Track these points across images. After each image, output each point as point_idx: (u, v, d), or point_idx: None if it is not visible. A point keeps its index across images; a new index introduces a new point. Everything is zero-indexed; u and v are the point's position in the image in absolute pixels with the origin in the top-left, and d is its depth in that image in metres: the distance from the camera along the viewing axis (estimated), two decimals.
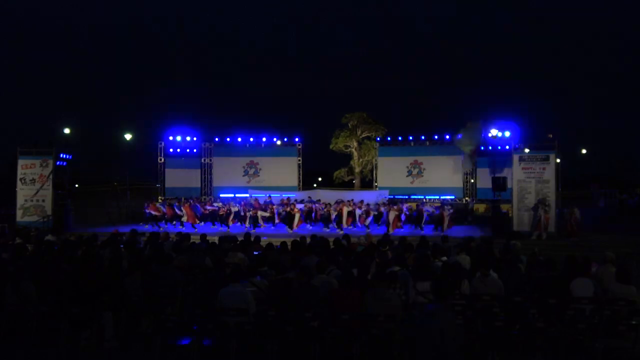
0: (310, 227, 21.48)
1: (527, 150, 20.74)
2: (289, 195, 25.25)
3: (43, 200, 22.34)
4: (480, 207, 26.33)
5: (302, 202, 23.76)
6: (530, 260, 9.13)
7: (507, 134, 24.03)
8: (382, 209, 21.95)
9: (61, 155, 23.18)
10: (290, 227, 20.95)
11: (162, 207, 23.41)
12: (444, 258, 9.03)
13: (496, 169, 22.44)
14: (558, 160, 20.59)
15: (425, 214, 21.53)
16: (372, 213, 21.66)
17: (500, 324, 6.26)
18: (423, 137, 28.12)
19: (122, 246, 11.21)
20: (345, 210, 21.25)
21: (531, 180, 20.11)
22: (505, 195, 21.39)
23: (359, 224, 21.40)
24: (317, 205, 22.87)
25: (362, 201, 22.99)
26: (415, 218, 21.71)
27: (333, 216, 21.45)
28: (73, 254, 9.50)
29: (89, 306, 6.68)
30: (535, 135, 22.43)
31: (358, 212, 21.73)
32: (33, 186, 22.35)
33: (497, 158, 22.96)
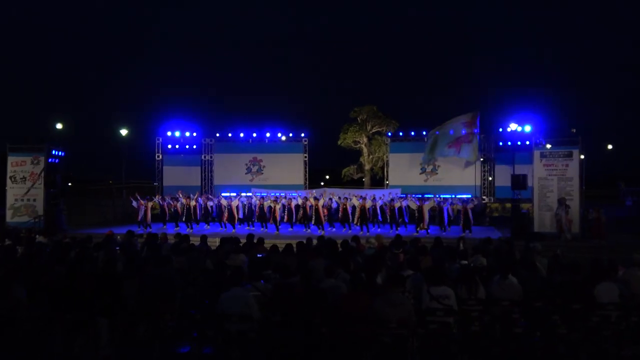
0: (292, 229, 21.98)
1: (548, 146, 20.64)
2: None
3: (34, 200, 22.49)
4: (493, 207, 26.21)
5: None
6: (551, 263, 9.09)
7: (528, 128, 23.89)
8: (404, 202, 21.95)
9: (53, 152, 23.32)
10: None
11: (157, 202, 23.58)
12: (464, 262, 9.01)
13: (516, 165, 22.34)
14: (582, 157, 20.48)
15: (445, 213, 21.40)
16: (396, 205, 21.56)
17: (520, 331, 6.24)
18: (437, 132, 27.99)
19: (117, 248, 11.27)
20: (367, 205, 21.20)
21: (553, 178, 20.03)
22: (526, 194, 21.30)
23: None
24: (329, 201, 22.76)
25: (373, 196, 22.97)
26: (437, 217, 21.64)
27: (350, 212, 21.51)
28: (66, 256, 9.54)
29: (82, 311, 6.71)
30: (558, 129, 22.27)
31: (380, 203, 21.75)
32: (24, 185, 22.50)
33: (516, 154, 22.85)
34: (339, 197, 22.83)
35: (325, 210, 21.83)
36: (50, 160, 22.98)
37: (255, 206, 22.53)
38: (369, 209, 21.21)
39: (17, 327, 6.60)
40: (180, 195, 23.49)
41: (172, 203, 23.06)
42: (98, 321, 6.77)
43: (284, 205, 22.25)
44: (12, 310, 6.75)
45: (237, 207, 22.53)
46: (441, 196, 26.09)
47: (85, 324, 6.69)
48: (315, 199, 21.78)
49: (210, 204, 23.44)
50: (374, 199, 22.12)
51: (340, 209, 21.81)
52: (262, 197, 22.88)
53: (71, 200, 28.16)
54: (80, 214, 27.48)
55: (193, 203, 22.76)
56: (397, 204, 21.55)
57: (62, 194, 23.94)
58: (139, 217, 22.47)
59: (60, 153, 23.79)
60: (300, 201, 22.26)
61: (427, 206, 21.03)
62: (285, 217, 22.13)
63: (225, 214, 22.34)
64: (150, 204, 22.78)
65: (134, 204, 22.86)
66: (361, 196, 22.24)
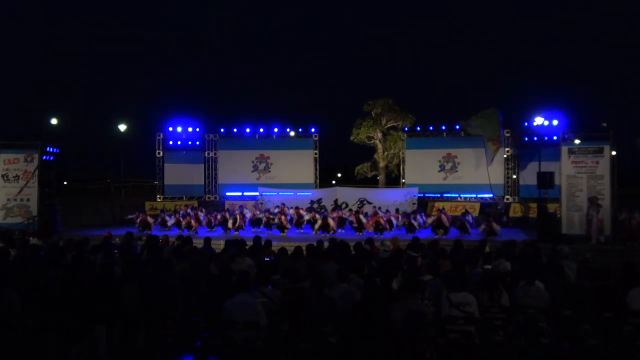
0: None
1: (577, 141, 20.46)
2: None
3: (28, 200, 22.53)
4: (517, 207, 26.01)
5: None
6: (581, 267, 9.04)
7: (555, 122, 23.73)
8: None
9: (48, 149, 23.35)
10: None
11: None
12: (488, 266, 8.98)
13: (542, 162, 22.17)
14: (614, 153, 20.31)
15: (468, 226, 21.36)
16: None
17: (547, 341, 6.21)
18: (457, 127, 27.83)
19: (116, 251, 11.32)
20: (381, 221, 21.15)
21: (582, 176, 19.85)
22: (553, 193, 21.16)
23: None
24: (339, 211, 22.72)
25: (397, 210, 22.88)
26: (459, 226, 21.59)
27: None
28: (61, 260, 9.60)
29: (79, 318, 6.75)
30: (587, 123, 22.14)
31: (394, 221, 21.67)
32: (17, 184, 22.53)
33: (543, 150, 22.68)
34: (350, 210, 22.78)
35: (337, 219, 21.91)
36: (44, 157, 23.00)
37: (262, 214, 22.60)
38: (383, 219, 21.18)
39: (10, 335, 6.65)
40: (180, 211, 23.54)
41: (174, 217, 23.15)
42: (95, 329, 6.81)
43: (291, 217, 22.20)
44: (4, 317, 6.80)
45: (244, 220, 22.57)
46: (462, 195, 26.10)
47: (82, 331, 6.74)
48: (324, 216, 21.80)
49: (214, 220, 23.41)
50: (388, 211, 22.06)
51: (354, 220, 21.78)
52: (268, 211, 22.84)
53: (67, 200, 28.34)
54: (77, 214, 27.61)
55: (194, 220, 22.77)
56: (415, 219, 21.55)
57: (57, 194, 24.01)
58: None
59: (55, 150, 23.83)
60: (308, 216, 22.26)
61: (445, 216, 21.01)
62: (294, 221, 22.13)
63: (230, 223, 22.33)
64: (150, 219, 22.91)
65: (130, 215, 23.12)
66: (374, 206, 22.25)
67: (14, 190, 22.52)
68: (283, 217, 21.63)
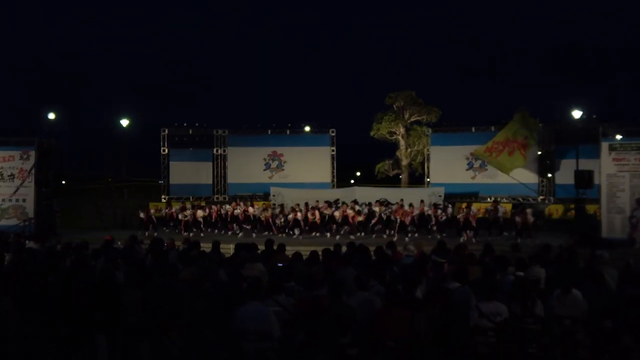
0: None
1: (619, 137, 20.31)
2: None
3: (24, 200, 22.74)
4: (552, 209, 25.83)
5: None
6: (622, 274, 8.95)
7: (594, 116, 23.54)
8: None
9: (45, 146, 23.51)
10: None
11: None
12: (520, 273, 8.92)
13: (580, 160, 22.01)
14: None
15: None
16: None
17: (585, 354, 6.17)
18: (487, 121, 27.64)
19: (118, 255, 11.39)
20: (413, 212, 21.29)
21: (624, 175, 19.69)
22: (592, 194, 20.99)
23: None
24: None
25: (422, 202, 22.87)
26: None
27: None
28: (60, 265, 9.67)
29: (78, 327, 6.79)
30: (630, 117, 21.88)
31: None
32: (12, 183, 22.75)
33: (581, 147, 22.50)
34: (368, 208, 22.82)
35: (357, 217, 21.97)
36: (41, 155, 23.20)
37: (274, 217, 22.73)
38: (414, 216, 21.25)
39: (6, 345, 6.71)
40: (188, 208, 23.67)
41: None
42: (96, 338, 6.86)
43: (307, 218, 22.28)
44: None
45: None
46: (492, 196, 25.97)
47: (81, 341, 6.78)
48: (343, 203, 21.95)
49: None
50: (411, 205, 22.07)
51: (377, 219, 21.89)
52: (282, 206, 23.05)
53: (65, 200, 28.54)
54: (76, 216, 27.83)
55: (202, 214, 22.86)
56: (442, 216, 21.50)
57: (55, 194, 24.18)
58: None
59: (53, 147, 24.01)
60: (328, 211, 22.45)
61: (474, 216, 21.00)
62: (310, 220, 22.22)
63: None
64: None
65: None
66: (399, 204, 22.27)
67: (9, 190, 22.72)
68: (299, 214, 21.73)
